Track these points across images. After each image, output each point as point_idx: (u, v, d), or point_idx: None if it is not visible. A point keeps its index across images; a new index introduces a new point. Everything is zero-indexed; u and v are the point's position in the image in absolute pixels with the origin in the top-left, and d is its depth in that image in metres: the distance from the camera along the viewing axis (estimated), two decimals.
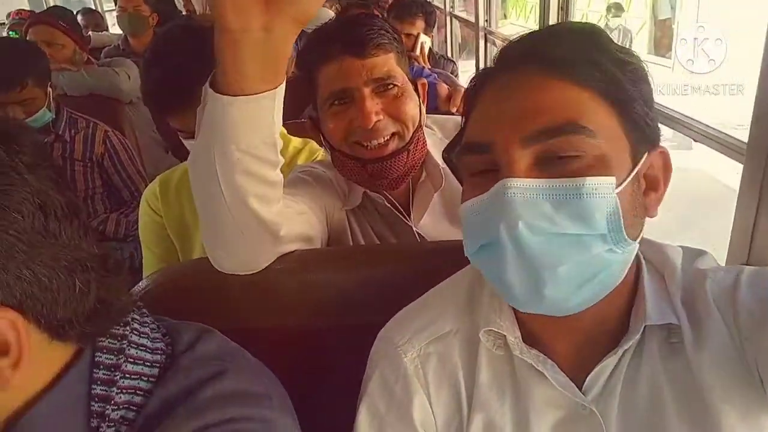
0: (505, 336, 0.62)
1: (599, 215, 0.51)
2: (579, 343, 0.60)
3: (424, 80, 1.04)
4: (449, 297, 0.69)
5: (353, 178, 0.99)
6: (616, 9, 6.69)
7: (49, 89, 1.87)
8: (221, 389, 0.55)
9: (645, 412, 0.57)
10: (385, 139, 0.93)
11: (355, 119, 0.92)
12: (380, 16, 2.08)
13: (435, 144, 1.05)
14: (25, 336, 0.48)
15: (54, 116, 1.91)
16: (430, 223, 1.02)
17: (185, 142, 1.22)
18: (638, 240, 0.55)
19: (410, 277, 0.78)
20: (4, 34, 3.43)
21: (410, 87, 0.98)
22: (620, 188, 0.53)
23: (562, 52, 0.55)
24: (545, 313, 0.56)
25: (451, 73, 2.66)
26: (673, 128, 1.11)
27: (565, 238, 0.52)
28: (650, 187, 0.58)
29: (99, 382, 0.52)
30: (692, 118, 1.08)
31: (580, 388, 0.59)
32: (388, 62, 0.94)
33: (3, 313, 0.47)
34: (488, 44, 3.11)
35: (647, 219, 0.58)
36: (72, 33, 2.44)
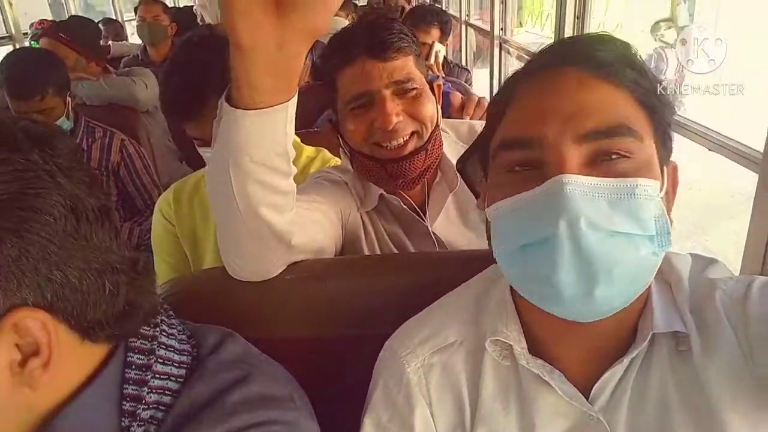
0: (511, 346, 0.62)
1: (649, 216, 0.52)
2: (586, 353, 0.60)
3: (440, 81, 1.05)
4: (454, 308, 0.69)
5: (372, 178, 1.01)
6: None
7: (68, 99, 1.91)
8: (247, 393, 0.56)
9: (653, 421, 0.57)
10: (405, 139, 0.95)
11: (376, 120, 0.94)
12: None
13: (450, 146, 1.07)
14: (55, 337, 0.49)
15: (72, 125, 1.94)
16: (444, 225, 1.04)
17: (201, 151, 1.23)
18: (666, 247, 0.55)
19: (422, 287, 0.77)
20: (27, 44, 3.50)
21: (428, 88, 1.00)
22: (663, 192, 0.54)
23: (608, 56, 0.56)
24: (577, 318, 0.55)
25: (465, 81, 2.66)
26: (688, 137, 1.10)
27: (619, 238, 0.51)
28: (666, 199, 0.58)
29: (131, 382, 0.53)
30: (708, 128, 1.07)
31: (587, 398, 0.59)
32: (407, 65, 0.96)
33: (34, 314, 0.47)
34: (503, 53, 3.11)
35: None
36: (73, 45, 2.47)
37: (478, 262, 0.72)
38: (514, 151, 0.56)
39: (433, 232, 1.03)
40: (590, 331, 0.58)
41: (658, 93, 0.57)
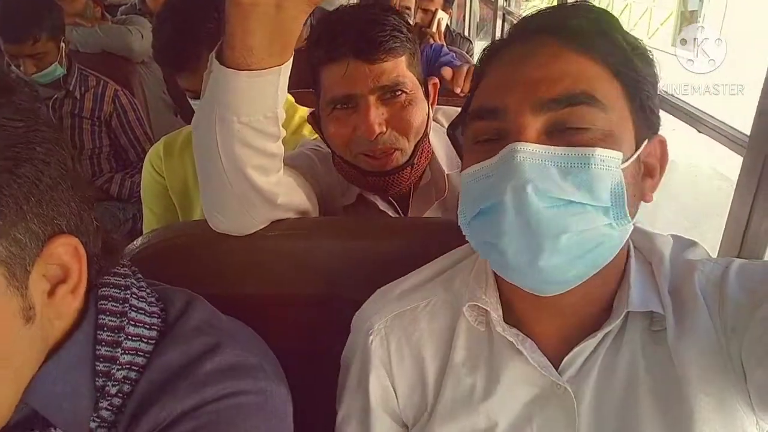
0: (487, 312, 0.63)
1: (604, 187, 0.52)
2: (561, 326, 0.61)
3: (436, 80, 0.99)
4: (427, 275, 0.70)
5: (352, 182, 0.96)
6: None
7: (62, 44, 1.88)
8: (218, 363, 0.56)
9: (619, 397, 0.58)
10: (388, 151, 0.89)
11: (358, 127, 0.87)
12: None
13: (444, 146, 1.00)
14: (85, 261, 0.51)
15: (65, 72, 1.91)
16: None
17: (193, 103, 1.22)
18: (634, 221, 0.55)
19: (400, 253, 0.78)
20: None
21: (420, 92, 0.92)
22: (625, 165, 0.53)
23: (579, 25, 0.56)
24: (534, 289, 0.56)
25: (467, 52, 2.62)
26: (677, 117, 1.11)
27: (569, 207, 0.51)
28: (647, 173, 0.58)
29: (103, 343, 0.54)
30: (698, 109, 1.08)
31: (557, 369, 0.60)
32: (397, 67, 0.88)
33: (68, 240, 0.49)
34: (506, 24, 3.07)
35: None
36: None
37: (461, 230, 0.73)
38: (483, 121, 0.57)
39: None
40: (563, 305, 0.59)
41: (635, 64, 0.55)
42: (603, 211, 0.52)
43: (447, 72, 1.57)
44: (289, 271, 0.83)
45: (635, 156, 0.55)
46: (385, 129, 0.88)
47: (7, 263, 0.45)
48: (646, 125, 0.57)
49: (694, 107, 1.07)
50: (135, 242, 0.83)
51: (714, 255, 0.67)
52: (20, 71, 1.83)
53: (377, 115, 0.87)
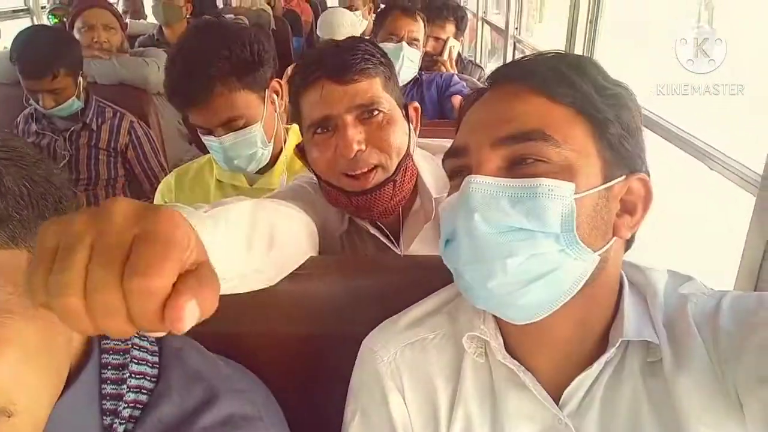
0: (486, 343, 0.64)
1: (553, 215, 0.54)
2: (557, 359, 0.61)
3: (417, 105, 1.01)
4: (432, 306, 0.72)
5: (340, 207, 0.97)
6: None
7: (80, 79, 1.92)
8: (216, 415, 0.57)
9: (623, 429, 0.58)
10: (368, 168, 0.90)
11: (338, 147, 0.89)
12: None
13: (432, 172, 1.02)
14: None
15: (83, 105, 1.95)
16: (420, 251, 0.99)
17: (204, 139, 1.24)
18: (599, 253, 0.57)
19: (400, 290, 0.78)
20: (44, 17, 3.52)
21: (398, 113, 0.94)
22: (580, 195, 0.55)
23: (542, 70, 0.60)
24: (500, 314, 0.60)
25: (478, 79, 2.63)
26: (688, 153, 1.10)
27: (518, 233, 0.55)
28: (625, 210, 0.60)
29: (109, 382, 0.55)
30: (709, 144, 1.07)
31: (557, 403, 0.60)
32: (372, 87, 0.91)
33: None
34: (516, 52, 3.09)
35: None
36: (121, 18, 2.51)
37: None
38: (453, 159, 0.63)
39: None
40: (556, 338, 0.60)
41: (599, 106, 0.58)
42: (553, 238, 0.55)
43: (457, 100, 1.58)
44: (288, 309, 0.83)
45: (598, 189, 0.57)
46: (364, 147, 0.89)
47: None
48: (619, 163, 0.59)
49: (705, 143, 1.06)
50: None
51: None
52: (39, 105, 1.87)
53: (355, 133, 0.89)
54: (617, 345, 0.58)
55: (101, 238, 0.33)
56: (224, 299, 0.80)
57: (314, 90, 0.90)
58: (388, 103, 0.92)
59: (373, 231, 0.98)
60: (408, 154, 0.95)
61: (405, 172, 0.94)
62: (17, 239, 0.47)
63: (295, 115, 0.98)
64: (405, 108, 0.97)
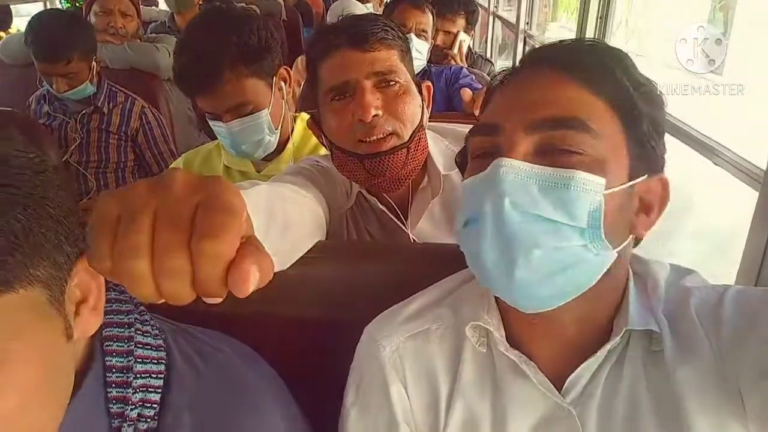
0: (489, 333, 0.64)
1: (582, 209, 0.53)
2: (562, 348, 0.61)
3: (429, 84, 1.03)
4: (435, 295, 0.72)
5: (352, 176, 0.98)
6: None
7: (94, 64, 1.94)
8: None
9: (623, 417, 0.58)
10: (383, 135, 0.92)
11: (355, 113, 0.90)
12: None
13: (442, 152, 1.04)
14: (102, 280, 0.52)
15: (95, 89, 1.97)
16: (428, 229, 1.01)
17: (212, 124, 1.26)
18: (617, 250, 0.56)
19: (404, 277, 0.79)
20: (57, 2, 3.54)
21: (413, 86, 0.97)
22: (609, 191, 0.54)
23: (581, 59, 0.59)
24: (514, 303, 0.58)
25: (488, 74, 2.62)
26: (693, 148, 1.10)
27: (545, 224, 0.53)
28: (643, 210, 0.59)
29: (114, 385, 0.55)
30: (715, 141, 1.07)
31: (560, 390, 0.60)
32: (390, 58, 0.94)
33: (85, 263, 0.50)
34: (527, 47, 3.08)
35: None
36: (138, 6, 2.52)
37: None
38: (482, 137, 0.60)
39: (414, 237, 1.00)
40: (561, 327, 0.60)
41: (635, 101, 0.57)
42: (579, 232, 0.54)
43: (466, 94, 1.58)
44: (295, 292, 0.84)
45: (624, 186, 0.56)
46: (380, 113, 0.91)
47: (49, 285, 0.47)
48: (644, 161, 0.58)
49: (710, 138, 1.06)
50: None
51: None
52: (52, 88, 1.89)
53: (373, 99, 0.90)
54: (621, 334, 0.58)
55: (164, 206, 0.34)
56: None
57: (334, 56, 0.93)
58: (404, 75, 0.95)
59: (381, 207, 1.00)
60: (421, 126, 0.97)
61: (419, 142, 0.96)
62: (12, 282, 0.44)
63: (312, 83, 1.00)
64: (418, 86, 0.99)
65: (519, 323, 0.63)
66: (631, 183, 0.57)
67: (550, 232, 0.53)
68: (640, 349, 0.59)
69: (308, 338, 0.82)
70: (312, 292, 0.83)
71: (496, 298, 0.65)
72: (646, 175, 0.58)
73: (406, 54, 0.98)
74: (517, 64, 0.65)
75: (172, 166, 1.40)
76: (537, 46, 0.68)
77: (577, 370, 0.59)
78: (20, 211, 0.44)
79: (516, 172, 0.54)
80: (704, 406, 0.55)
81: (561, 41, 0.64)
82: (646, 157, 0.58)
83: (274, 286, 0.81)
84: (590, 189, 0.53)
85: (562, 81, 0.58)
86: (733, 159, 1.00)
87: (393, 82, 0.93)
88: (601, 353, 0.58)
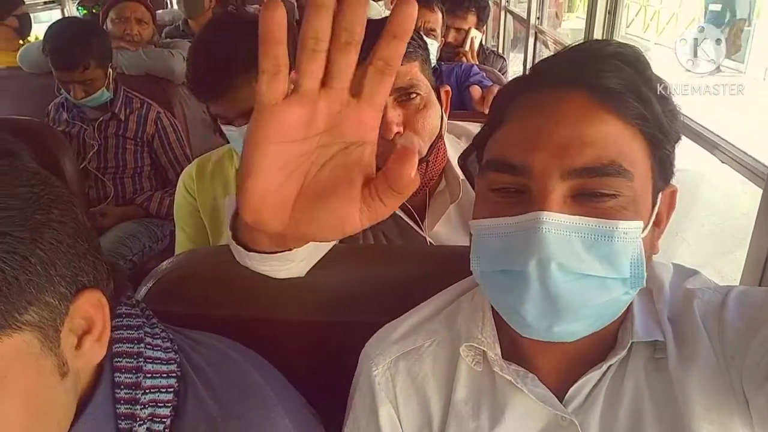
0: (485, 352, 0.63)
1: (625, 259, 0.52)
2: (564, 360, 0.61)
3: (448, 88, 1.03)
4: (430, 311, 0.71)
5: None
6: None
7: (110, 70, 1.98)
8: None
9: (626, 425, 0.58)
10: None
11: None
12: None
13: (456, 150, 1.03)
14: (107, 310, 0.52)
15: (112, 96, 2.01)
16: (444, 233, 1.01)
17: (224, 128, 1.28)
18: (644, 279, 0.55)
19: (416, 280, 0.79)
20: (73, 8, 3.60)
21: (433, 96, 0.96)
22: (644, 234, 0.54)
23: (612, 82, 0.54)
24: (543, 339, 0.56)
25: (500, 69, 2.61)
26: (699, 144, 1.10)
27: (590, 281, 0.52)
28: (656, 223, 0.58)
29: (122, 402, 0.55)
30: (721, 137, 1.06)
31: (561, 401, 0.60)
32: (411, 71, 0.92)
33: (90, 294, 0.51)
34: (538, 42, 3.06)
35: None
36: (153, 13, 2.57)
37: None
38: (502, 174, 0.56)
39: (430, 241, 1.00)
40: (565, 344, 0.58)
41: (662, 122, 0.55)
42: (622, 282, 0.53)
43: (476, 91, 1.58)
44: (310, 296, 0.84)
45: (653, 217, 0.55)
46: (401, 129, 0.91)
47: (40, 327, 0.46)
48: (662, 178, 0.57)
49: (717, 135, 1.06)
50: (162, 264, 0.87)
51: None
52: (70, 95, 1.94)
53: (394, 115, 0.90)
54: (627, 347, 0.57)
55: None
56: (245, 286, 0.84)
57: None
58: (425, 86, 0.94)
59: (397, 210, 1.01)
60: (441, 137, 0.96)
61: (437, 153, 0.96)
62: (4, 327, 0.44)
63: None
64: (437, 91, 0.98)
65: (519, 337, 0.60)
66: (655, 212, 0.56)
67: (595, 287, 0.52)
68: (643, 357, 0.59)
69: (324, 342, 0.82)
70: (329, 295, 0.83)
71: (494, 313, 0.63)
72: (660, 193, 0.57)
73: (426, 62, 0.96)
74: (530, 71, 0.62)
75: (184, 171, 1.43)
76: (553, 57, 0.62)
77: (580, 381, 0.59)
78: (5, 259, 0.43)
79: (558, 228, 0.51)
80: (708, 412, 0.54)
81: (572, 48, 0.60)
82: (664, 173, 0.57)
83: (289, 290, 0.83)
84: (631, 237, 0.52)
85: (592, 110, 0.53)
86: (738, 156, 1.00)
87: (414, 95, 0.92)
88: (605, 365, 0.58)
